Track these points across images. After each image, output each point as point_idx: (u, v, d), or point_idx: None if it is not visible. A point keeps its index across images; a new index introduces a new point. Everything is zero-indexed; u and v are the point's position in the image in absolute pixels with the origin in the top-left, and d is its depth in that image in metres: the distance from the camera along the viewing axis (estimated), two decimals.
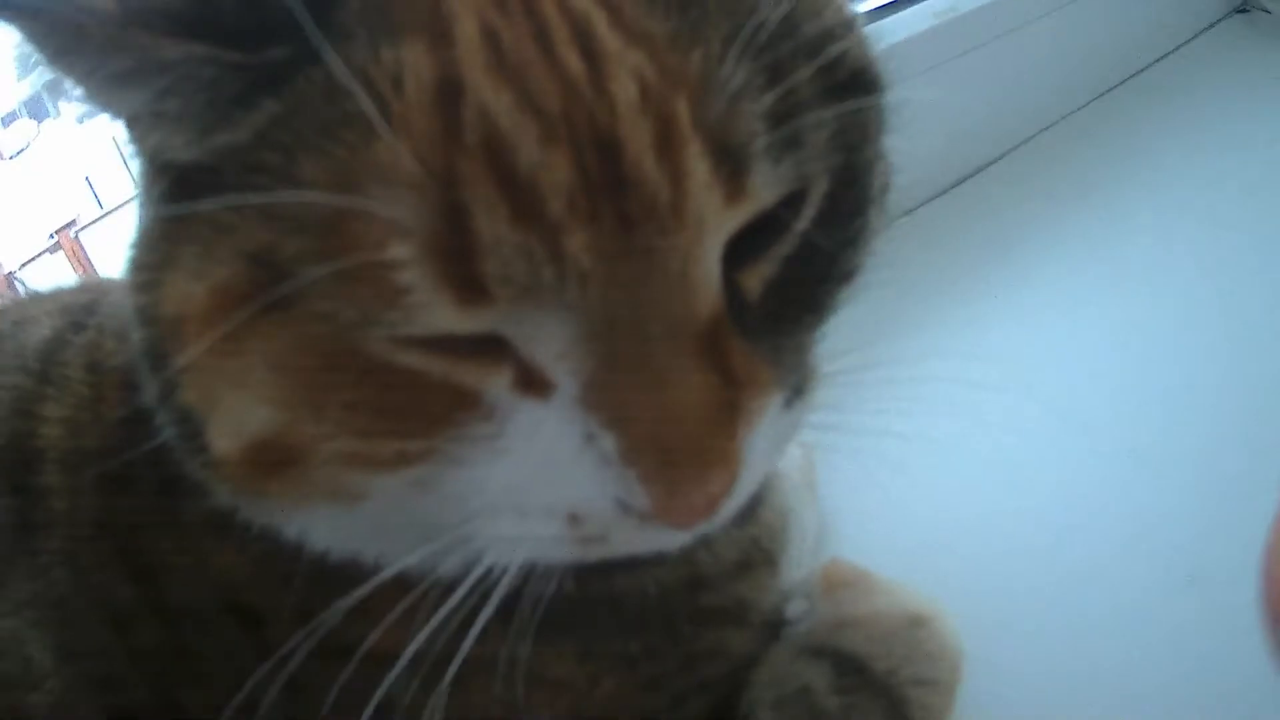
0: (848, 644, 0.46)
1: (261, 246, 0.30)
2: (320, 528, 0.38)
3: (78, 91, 0.32)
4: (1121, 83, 1.01)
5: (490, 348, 0.31)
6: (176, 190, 0.33)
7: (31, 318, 0.49)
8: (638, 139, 0.28)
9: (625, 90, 0.28)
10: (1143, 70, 1.02)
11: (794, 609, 0.50)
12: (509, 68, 0.28)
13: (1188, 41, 1.06)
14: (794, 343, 0.35)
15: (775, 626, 0.48)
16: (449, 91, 0.28)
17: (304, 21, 0.28)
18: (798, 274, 0.34)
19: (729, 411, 0.32)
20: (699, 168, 0.29)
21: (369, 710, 0.35)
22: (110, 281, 0.53)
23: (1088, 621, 0.52)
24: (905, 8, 0.81)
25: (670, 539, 0.35)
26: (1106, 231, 0.79)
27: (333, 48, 0.28)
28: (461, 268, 0.28)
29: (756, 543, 0.45)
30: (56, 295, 0.53)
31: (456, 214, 0.28)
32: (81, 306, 0.49)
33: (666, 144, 0.29)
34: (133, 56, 0.30)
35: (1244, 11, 1.07)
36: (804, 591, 0.50)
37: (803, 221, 0.33)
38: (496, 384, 0.31)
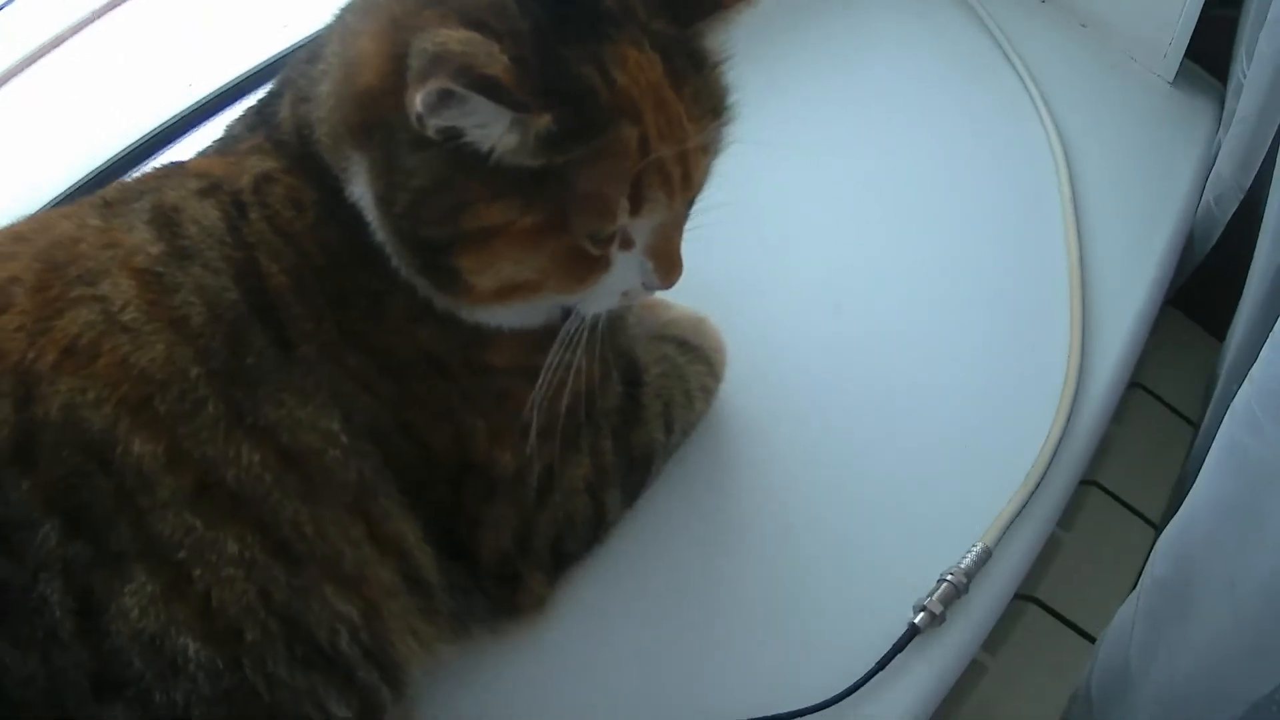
0: (677, 331, 0.92)
1: (559, 206, 0.63)
2: (499, 316, 0.72)
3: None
4: None
5: (614, 234, 0.67)
6: (499, 172, 0.62)
7: (173, 204, 0.68)
8: (696, 167, 0.68)
9: (694, 142, 0.66)
10: None
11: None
12: (664, 133, 0.65)
13: None
14: None
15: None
16: (644, 141, 0.64)
17: (606, 118, 0.62)
18: None
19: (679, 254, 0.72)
20: (705, 173, 0.69)
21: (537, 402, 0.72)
22: (183, 166, 0.74)
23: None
24: None
25: (652, 295, 0.77)
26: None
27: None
28: (636, 203, 0.65)
29: None
30: (162, 183, 0.70)
31: (639, 185, 0.65)
32: (212, 189, 0.69)
33: (701, 163, 0.68)
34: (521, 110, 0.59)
35: None
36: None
37: None
38: (614, 247, 0.68)
